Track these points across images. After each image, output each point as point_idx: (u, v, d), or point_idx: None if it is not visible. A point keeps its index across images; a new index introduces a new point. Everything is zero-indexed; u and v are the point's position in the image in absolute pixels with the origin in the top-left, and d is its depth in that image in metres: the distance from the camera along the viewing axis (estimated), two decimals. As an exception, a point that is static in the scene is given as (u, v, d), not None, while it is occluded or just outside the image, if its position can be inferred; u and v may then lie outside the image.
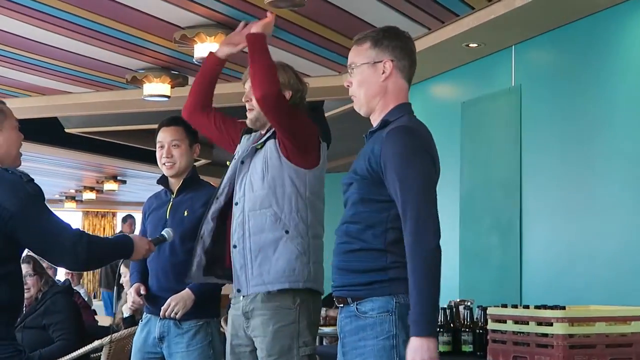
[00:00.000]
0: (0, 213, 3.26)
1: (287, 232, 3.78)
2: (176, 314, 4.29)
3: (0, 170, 3.38)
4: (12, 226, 3.28)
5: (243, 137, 4.04)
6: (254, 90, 3.76)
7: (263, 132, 3.96)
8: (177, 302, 4.29)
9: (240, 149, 3.99)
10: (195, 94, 4.17)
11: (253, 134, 4.02)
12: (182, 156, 4.47)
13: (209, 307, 4.42)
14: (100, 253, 3.47)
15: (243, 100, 3.99)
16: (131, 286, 4.55)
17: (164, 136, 4.51)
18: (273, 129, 3.86)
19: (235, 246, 3.84)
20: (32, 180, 3.39)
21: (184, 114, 4.21)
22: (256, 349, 3.84)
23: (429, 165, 3.08)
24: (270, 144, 3.85)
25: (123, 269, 6.40)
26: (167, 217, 4.44)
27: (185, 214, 4.40)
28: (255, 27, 3.95)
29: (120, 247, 3.62)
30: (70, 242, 3.34)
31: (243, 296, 3.83)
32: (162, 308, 4.31)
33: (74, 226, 3.43)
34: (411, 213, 2.98)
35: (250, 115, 3.96)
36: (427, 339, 2.91)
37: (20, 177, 3.35)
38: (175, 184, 4.51)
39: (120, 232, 15.23)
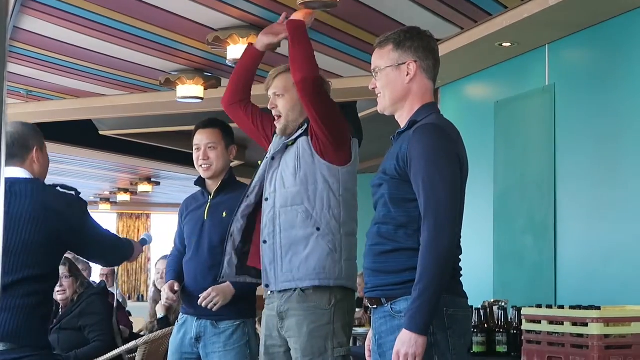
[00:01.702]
0: (70, 226, 3.65)
1: (318, 229, 3.77)
2: (215, 305, 4.28)
3: (47, 186, 3.71)
4: (76, 239, 3.70)
5: (275, 136, 4.05)
6: (294, 73, 3.77)
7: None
8: (218, 293, 4.28)
9: (272, 147, 4.00)
10: (234, 85, 4.18)
11: None
12: (218, 158, 4.49)
13: (246, 307, 4.43)
14: (124, 251, 4.06)
15: (269, 107, 3.99)
16: (166, 283, 4.58)
17: (201, 138, 4.52)
18: (305, 127, 3.85)
19: (265, 241, 3.85)
20: (80, 193, 3.78)
21: (223, 104, 4.22)
22: (290, 350, 3.84)
23: (455, 165, 3.07)
24: (303, 140, 3.85)
25: (158, 266, 6.45)
26: (205, 218, 4.46)
27: (224, 215, 4.40)
28: (296, 15, 3.97)
29: (130, 246, 4.13)
30: (125, 243, 4.03)
31: (271, 291, 3.83)
32: (202, 295, 4.28)
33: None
34: (431, 213, 2.98)
35: (279, 125, 3.95)
36: (417, 335, 2.93)
37: (73, 192, 3.74)
38: (212, 185, 4.52)
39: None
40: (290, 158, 3.85)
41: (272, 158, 3.91)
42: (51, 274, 3.70)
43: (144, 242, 4.46)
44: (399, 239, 3.09)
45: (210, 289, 4.28)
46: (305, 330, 3.76)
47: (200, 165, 4.50)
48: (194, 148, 4.54)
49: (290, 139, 3.90)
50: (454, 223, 3.01)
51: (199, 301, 4.29)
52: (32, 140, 3.75)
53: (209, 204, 4.49)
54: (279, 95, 3.93)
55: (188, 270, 4.48)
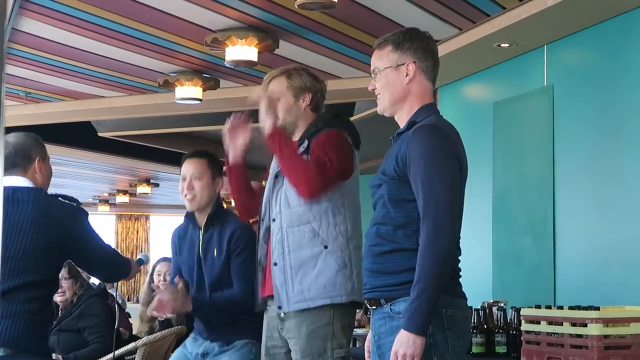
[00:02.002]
0: (70, 235, 3.69)
1: (325, 247, 3.76)
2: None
3: (50, 195, 3.76)
4: (74, 247, 3.73)
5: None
6: (298, 189, 3.75)
7: (295, 140, 3.94)
8: (174, 306, 4.23)
9: (274, 165, 3.97)
10: (241, 206, 4.15)
11: None
12: (203, 189, 4.35)
13: (258, 328, 4.34)
14: (123, 268, 4.10)
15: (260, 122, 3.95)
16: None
17: (187, 168, 4.42)
18: (306, 144, 3.83)
19: (275, 264, 3.82)
20: (80, 203, 3.82)
21: (245, 220, 4.26)
22: (290, 351, 3.84)
23: (454, 166, 3.07)
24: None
25: (158, 268, 6.44)
26: (201, 255, 4.36)
27: (215, 254, 4.33)
28: (265, 124, 3.84)
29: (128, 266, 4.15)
30: (122, 257, 4.08)
31: (284, 313, 3.81)
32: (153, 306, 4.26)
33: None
34: (430, 213, 2.98)
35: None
36: (416, 335, 2.93)
37: (73, 202, 3.78)
38: (201, 218, 4.41)
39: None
40: None
41: (276, 176, 3.90)
42: (51, 280, 3.74)
43: (141, 262, 4.55)
44: (398, 240, 3.09)
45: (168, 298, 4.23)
46: (304, 331, 3.75)
47: (185, 196, 4.40)
48: (180, 179, 4.47)
49: None
50: (453, 223, 3.01)
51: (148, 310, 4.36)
52: (34, 150, 3.80)
53: (201, 240, 4.39)
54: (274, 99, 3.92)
55: (196, 319, 4.48)
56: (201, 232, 4.39)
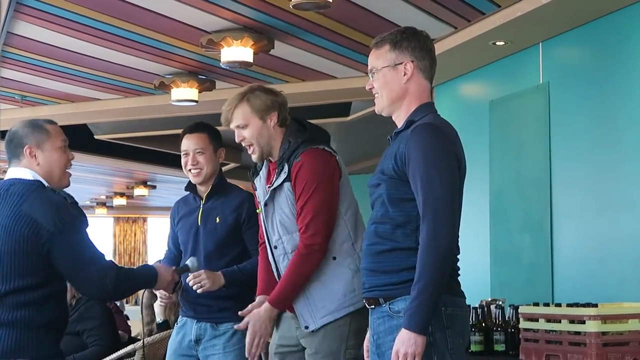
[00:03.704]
0: (41, 233, 3.34)
1: (334, 258, 3.77)
2: (201, 286, 4.25)
3: (48, 191, 3.46)
4: (48, 246, 3.35)
5: (255, 181, 4.01)
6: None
7: (273, 162, 3.92)
8: (208, 277, 4.25)
9: (259, 193, 3.97)
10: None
11: (261, 173, 3.97)
12: (207, 162, 4.45)
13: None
14: (125, 286, 3.59)
15: (237, 140, 3.92)
16: None
17: (189, 143, 4.49)
18: (285, 172, 3.80)
19: None
20: (77, 203, 3.48)
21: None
22: (302, 350, 3.84)
23: (452, 165, 3.08)
24: (287, 186, 3.80)
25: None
26: (199, 224, 4.45)
27: (218, 220, 4.40)
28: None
29: (146, 278, 3.80)
30: (99, 273, 3.45)
31: (312, 331, 3.81)
32: (193, 274, 4.22)
33: (105, 248, 3.54)
34: (430, 211, 2.98)
35: (254, 154, 3.90)
36: (417, 334, 2.93)
37: (65, 198, 3.43)
38: (203, 190, 4.50)
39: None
40: (284, 203, 3.82)
41: (265, 204, 3.90)
42: (44, 283, 3.40)
43: (182, 270, 4.22)
44: (397, 239, 3.09)
45: (202, 271, 4.24)
46: (321, 330, 3.76)
47: (190, 170, 4.47)
48: (182, 153, 4.51)
49: (273, 185, 3.85)
50: (453, 222, 3.02)
51: (188, 279, 4.26)
52: (25, 138, 3.54)
53: (201, 209, 4.48)
54: (241, 127, 3.91)
55: (186, 276, 4.47)
56: (202, 202, 4.48)
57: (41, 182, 3.50)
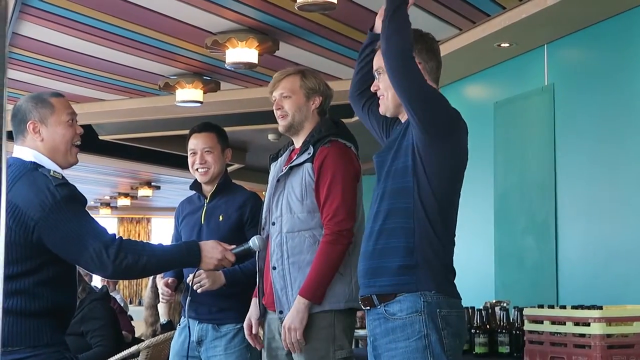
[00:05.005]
0: (25, 221, 3.13)
1: None
2: (201, 286, 4.24)
3: (37, 173, 3.23)
4: (37, 233, 3.14)
5: (272, 165, 4.04)
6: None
7: (297, 146, 3.96)
8: (208, 276, 4.24)
9: (272, 174, 3.99)
10: None
11: (280, 159, 4.02)
12: (215, 162, 4.49)
13: (247, 311, 4.41)
14: (135, 261, 3.20)
15: (274, 108, 3.98)
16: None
17: (196, 143, 4.52)
18: (310, 153, 3.83)
19: (274, 267, 3.84)
20: (65, 183, 3.24)
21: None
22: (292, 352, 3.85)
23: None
24: (308, 167, 3.83)
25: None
26: (202, 222, 4.46)
27: (221, 218, 4.42)
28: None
29: (177, 254, 3.34)
30: (95, 248, 3.15)
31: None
32: (192, 274, 4.16)
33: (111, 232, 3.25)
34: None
35: (283, 122, 3.94)
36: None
37: (50, 180, 3.21)
38: (208, 189, 4.52)
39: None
40: (297, 182, 3.84)
41: (278, 180, 3.90)
42: (38, 268, 3.18)
43: (244, 251, 3.50)
44: (392, 239, 3.11)
45: (201, 270, 4.19)
46: (306, 334, 3.76)
47: (197, 170, 4.50)
48: (189, 152, 4.54)
49: (293, 162, 3.87)
50: None
51: (188, 279, 4.25)
52: (28, 113, 3.34)
53: (205, 207, 4.49)
54: (286, 96, 3.93)
55: (188, 275, 4.47)
56: (206, 201, 4.51)
57: (35, 162, 3.28)
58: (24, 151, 3.32)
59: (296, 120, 3.91)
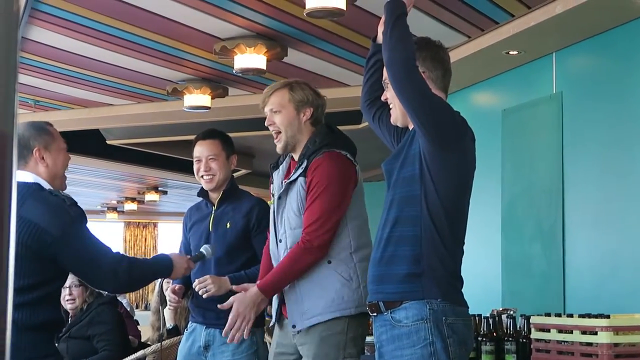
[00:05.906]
0: (43, 237, 3.29)
1: (329, 262, 3.78)
2: (207, 291, 4.24)
3: (46, 193, 3.43)
4: (54, 250, 3.32)
5: (273, 174, 4.05)
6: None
7: (295, 158, 3.96)
8: (214, 281, 4.25)
9: (275, 186, 4.00)
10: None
11: (281, 167, 4.02)
12: (220, 169, 4.49)
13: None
14: (140, 275, 3.56)
15: (266, 124, 3.97)
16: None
17: (201, 150, 4.52)
18: (303, 167, 3.84)
19: None
20: (76, 203, 3.44)
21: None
22: (300, 358, 3.84)
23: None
24: (302, 181, 3.83)
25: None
26: (211, 229, 4.47)
27: (228, 226, 4.42)
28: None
29: (160, 267, 3.73)
30: (109, 266, 3.42)
31: (298, 332, 3.81)
32: (198, 279, 4.21)
33: (114, 246, 3.47)
34: None
35: (279, 143, 3.93)
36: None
37: (63, 200, 3.39)
38: (215, 196, 4.53)
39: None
40: (293, 198, 3.85)
41: (279, 197, 3.92)
42: (43, 282, 3.35)
43: (197, 258, 4.07)
44: (399, 246, 3.11)
45: (207, 276, 4.23)
46: (317, 338, 3.76)
47: (202, 177, 4.50)
48: (194, 160, 4.54)
49: (290, 179, 3.88)
50: None
51: (194, 284, 4.26)
52: (33, 140, 3.51)
53: (212, 215, 4.50)
54: (275, 111, 3.93)
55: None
56: (214, 208, 4.51)
57: (39, 184, 3.46)
58: (25, 174, 3.48)
59: (289, 136, 3.90)
